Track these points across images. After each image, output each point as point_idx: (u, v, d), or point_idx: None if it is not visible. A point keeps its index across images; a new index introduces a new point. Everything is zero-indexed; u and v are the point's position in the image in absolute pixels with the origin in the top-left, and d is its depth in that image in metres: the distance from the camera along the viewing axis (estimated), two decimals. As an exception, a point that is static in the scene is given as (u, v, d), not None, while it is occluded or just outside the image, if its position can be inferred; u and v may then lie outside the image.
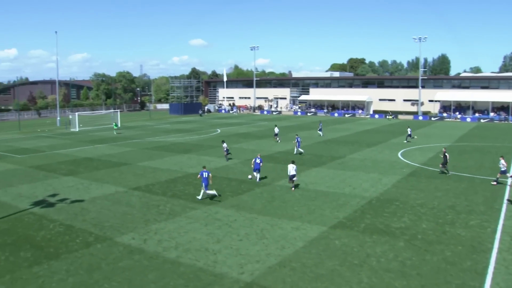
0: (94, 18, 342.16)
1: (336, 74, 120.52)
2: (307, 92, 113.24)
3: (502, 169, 26.68)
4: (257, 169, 28.28)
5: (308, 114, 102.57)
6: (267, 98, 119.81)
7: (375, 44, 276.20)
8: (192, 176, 30.24)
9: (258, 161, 28.45)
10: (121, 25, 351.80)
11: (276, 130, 50.93)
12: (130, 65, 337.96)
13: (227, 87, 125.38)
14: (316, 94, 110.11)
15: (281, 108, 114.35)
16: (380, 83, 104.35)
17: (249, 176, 29.07)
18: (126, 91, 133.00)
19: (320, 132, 55.84)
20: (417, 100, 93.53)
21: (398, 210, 21.86)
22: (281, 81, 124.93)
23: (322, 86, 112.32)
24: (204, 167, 24.42)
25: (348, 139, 51.59)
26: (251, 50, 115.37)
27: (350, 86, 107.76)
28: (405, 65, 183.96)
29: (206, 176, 23.56)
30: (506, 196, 24.29)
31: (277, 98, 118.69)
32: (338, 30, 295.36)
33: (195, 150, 43.41)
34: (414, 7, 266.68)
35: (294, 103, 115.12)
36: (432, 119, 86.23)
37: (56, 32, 78.56)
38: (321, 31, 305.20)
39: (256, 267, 15.51)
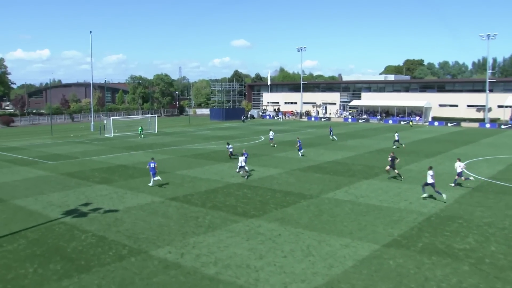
0: (130, 17, 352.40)
1: (391, 77, 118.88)
2: (358, 97, 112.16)
3: (458, 171, 30.33)
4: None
5: (360, 121, 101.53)
6: (315, 103, 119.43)
7: (435, 43, 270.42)
8: (234, 187, 30.45)
9: (243, 157, 33.81)
10: (159, 24, 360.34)
11: (271, 134, 54.47)
12: (168, 67, 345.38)
13: (271, 91, 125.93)
14: (369, 99, 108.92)
15: (330, 114, 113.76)
16: (441, 87, 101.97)
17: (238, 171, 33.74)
18: (164, 95, 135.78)
19: (334, 137, 59.97)
20: (483, 106, 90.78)
21: (462, 229, 21.21)
22: (330, 85, 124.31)
23: (375, 91, 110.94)
24: (152, 158, 32.02)
25: (405, 149, 50.65)
26: (298, 51, 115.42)
27: (407, 90, 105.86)
28: (470, 67, 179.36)
29: (153, 166, 30.84)
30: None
31: (325, 103, 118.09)
32: (393, 28, 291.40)
33: (237, 158, 43.57)
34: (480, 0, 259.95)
35: (344, 109, 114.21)
36: (502, 127, 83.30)
37: (90, 32, 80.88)
38: (374, 30, 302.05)
39: (301, 286, 15.41)
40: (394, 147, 51.24)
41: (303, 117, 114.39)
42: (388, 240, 19.65)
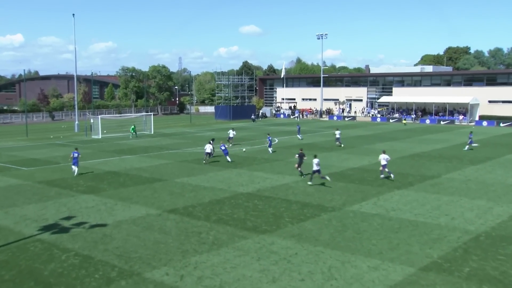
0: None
1: (429, 68, 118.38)
2: (389, 93, 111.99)
3: (383, 164, 36.30)
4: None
5: (391, 120, 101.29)
6: (337, 100, 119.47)
7: (484, 26, 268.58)
8: (242, 197, 30.56)
9: (223, 148, 42.05)
10: (155, 7, 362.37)
11: (232, 133, 58.03)
12: (167, 57, 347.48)
13: (287, 86, 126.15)
14: (401, 94, 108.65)
15: (355, 112, 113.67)
16: (491, 80, 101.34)
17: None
18: (161, 90, 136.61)
19: (299, 136, 64.60)
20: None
21: (518, 252, 21.02)
22: (355, 78, 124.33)
23: (409, 85, 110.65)
24: (76, 149, 39.31)
25: (445, 153, 50.44)
26: (318, 39, 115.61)
27: (448, 84, 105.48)
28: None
29: (77, 156, 38.27)
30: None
31: (350, 100, 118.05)
32: (431, 10, 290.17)
33: (247, 164, 43.88)
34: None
35: (372, 107, 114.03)
36: None
37: (73, 14, 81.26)
38: (408, 12, 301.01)
39: (322, 316, 15.40)
40: (337, 143, 56.50)
41: (323, 116, 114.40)
42: (426, 263, 19.56)
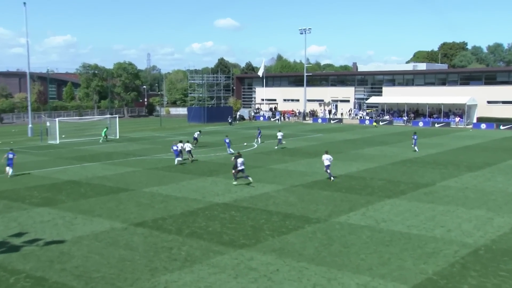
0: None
1: (422, 66, 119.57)
2: (379, 93, 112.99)
3: (326, 164, 39.26)
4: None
5: (381, 123, 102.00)
6: (322, 100, 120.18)
7: (481, 21, 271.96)
8: (218, 208, 30.49)
9: (174, 148, 47.41)
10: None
11: (196, 134, 62.81)
12: (133, 54, 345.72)
13: (267, 86, 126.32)
14: (392, 95, 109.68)
15: (342, 114, 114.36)
16: (490, 78, 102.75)
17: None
18: (127, 90, 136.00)
19: (259, 139, 66.98)
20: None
21: (521, 267, 21.23)
22: (342, 77, 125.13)
23: (400, 84, 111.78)
24: (11, 150, 42.33)
25: (440, 159, 50.96)
26: (301, 33, 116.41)
27: (443, 83, 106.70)
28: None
29: (12, 157, 40.70)
30: None
31: (336, 100, 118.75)
32: (424, 3, 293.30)
33: (223, 171, 43.83)
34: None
35: (360, 108, 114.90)
36: None
37: (24, 3, 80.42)
38: (399, 6, 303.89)
39: None
40: (276, 147, 59.71)
41: (307, 118, 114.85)
42: (420, 279, 19.69)
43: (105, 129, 71.03)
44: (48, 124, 75.15)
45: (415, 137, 57.70)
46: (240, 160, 37.83)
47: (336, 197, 33.30)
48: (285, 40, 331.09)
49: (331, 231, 25.69)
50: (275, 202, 32.16)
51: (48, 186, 38.06)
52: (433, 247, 23.30)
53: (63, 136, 72.53)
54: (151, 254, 22.57)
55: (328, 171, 39.23)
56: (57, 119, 72.69)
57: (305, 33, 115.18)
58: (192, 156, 49.93)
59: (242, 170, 37.73)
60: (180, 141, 50.36)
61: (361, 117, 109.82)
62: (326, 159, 39.33)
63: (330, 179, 38.95)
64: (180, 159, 47.99)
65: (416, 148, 56.78)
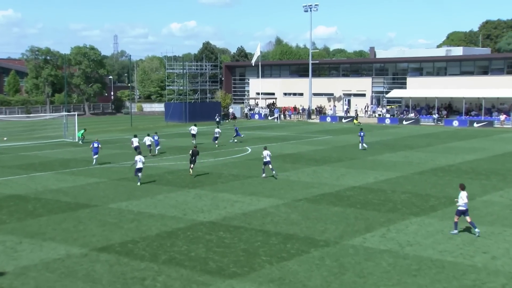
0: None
1: (457, 50, 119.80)
2: (402, 85, 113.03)
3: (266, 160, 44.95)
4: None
5: (405, 122, 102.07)
6: (332, 95, 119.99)
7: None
8: (203, 228, 30.36)
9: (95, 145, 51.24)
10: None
11: (193, 130, 69.12)
12: (96, 35, 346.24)
13: (263, 76, 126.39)
14: (419, 87, 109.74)
15: (356, 111, 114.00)
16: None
17: None
18: (89, 81, 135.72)
19: (235, 139, 71.00)
20: None
21: None
22: (356, 65, 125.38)
23: (430, 74, 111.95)
24: None
25: (480, 167, 50.85)
26: (305, 11, 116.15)
27: (485, 72, 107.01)
28: None
29: None
30: None
31: (349, 94, 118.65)
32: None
33: (209, 182, 43.81)
34: None
35: (379, 104, 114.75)
36: None
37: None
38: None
39: None
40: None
41: (312, 116, 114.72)
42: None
43: (81, 131, 70.47)
44: (-15, 123, 74.93)
45: (362, 133, 63.18)
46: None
47: (349, 214, 33.11)
48: (286, 19, 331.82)
49: (343, 257, 25.46)
50: (274, 220, 31.97)
51: (-13, 202, 37.80)
52: (473, 279, 23.09)
53: (5, 138, 72.60)
54: (118, 287, 22.36)
55: (270, 166, 45.01)
56: (-3, 117, 72.28)
57: (310, 10, 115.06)
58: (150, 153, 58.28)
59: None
60: (135, 136, 57.55)
61: (380, 114, 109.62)
62: (267, 155, 44.97)
63: (273, 174, 45.04)
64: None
65: (364, 145, 62.76)
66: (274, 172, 45.01)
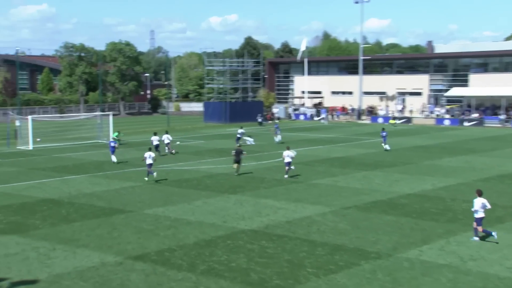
0: None
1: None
2: (464, 82, 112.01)
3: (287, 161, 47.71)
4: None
5: (466, 123, 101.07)
6: (384, 93, 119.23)
7: None
8: (244, 236, 30.43)
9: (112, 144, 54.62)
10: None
11: (240, 133, 70.55)
12: (132, 30, 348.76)
13: (310, 73, 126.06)
14: (484, 85, 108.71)
15: (411, 111, 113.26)
16: None
17: None
18: (124, 79, 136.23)
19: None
20: None
21: None
22: (412, 61, 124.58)
23: (496, 70, 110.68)
24: None
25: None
26: (356, 3, 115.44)
27: None
28: None
29: None
30: None
31: (403, 93, 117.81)
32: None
33: (251, 187, 43.93)
34: None
35: (437, 103, 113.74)
36: None
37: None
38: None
39: None
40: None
41: (363, 117, 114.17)
42: None
43: (116, 133, 71.17)
44: (17, 123, 75.71)
45: (384, 133, 66.00)
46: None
47: (404, 224, 32.89)
48: (334, 12, 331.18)
49: (397, 271, 25.29)
50: (320, 229, 31.94)
51: (16, 207, 38.28)
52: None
53: (38, 139, 73.06)
54: (154, 298, 22.54)
55: (292, 167, 48.08)
56: (29, 117, 73.01)
57: (361, 2, 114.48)
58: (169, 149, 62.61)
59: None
60: (155, 134, 61.44)
61: (438, 115, 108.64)
62: (287, 155, 47.48)
63: (291, 168, 47.79)
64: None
65: (386, 146, 65.25)
66: (287, 172, 47.58)
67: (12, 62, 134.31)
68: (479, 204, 30.05)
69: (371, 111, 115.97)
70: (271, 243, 29.34)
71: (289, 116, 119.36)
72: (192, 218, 34.49)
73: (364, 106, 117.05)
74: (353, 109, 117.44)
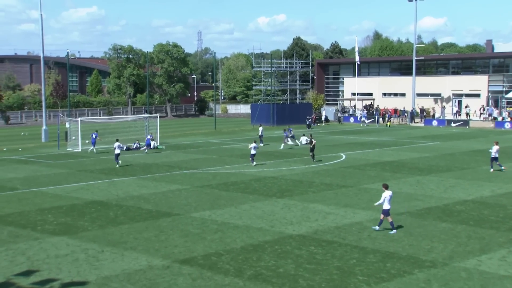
0: None
1: None
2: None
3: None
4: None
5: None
6: (439, 95, 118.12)
7: None
8: (292, 241, 30.35)
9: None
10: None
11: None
12: (179, 31, 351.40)
13: (360, 75, 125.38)
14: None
15: (468, 114, 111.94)
16: None
17: None
18: (172, 81, 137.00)
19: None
20: None
21: None
22: (469, 61, 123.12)
23: None
24: (96, 131, 45.39)
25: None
26: (409, 1, 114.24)
27: None
28: None
29: (95, 137, 47.79)
30: None
31: (460, 95, 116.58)
32: None
33: (299, 191, 43.79)
34: None
35: (496, 105, 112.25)
36: None
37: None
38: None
39: None
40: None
41: (416, 119, 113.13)
42: None
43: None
44: (67, 125, 76.45)
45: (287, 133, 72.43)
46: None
47: (461, 232, 32.40)
48: (386, 10, 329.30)
49: (454, 281, 24.90)
50: (371, 235, 31.72)
51: (66, 208, 38.77)
52: None
53: (87, 141, 73.59)
54: (201, 302, 22.58)
55: (294, 142, 55.71)
56: (79, 119, 73.85)
57: (416, 0, 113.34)
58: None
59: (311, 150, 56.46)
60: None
61: (495, 118, 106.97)
62: (253, 147, 56.36)
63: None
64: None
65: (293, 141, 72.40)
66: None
67: (62, 65, 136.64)
68: None
69: (425, 114, 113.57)
70: (320, 249, 29.23)
71: (338, 119, 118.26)
72: (239, 222, 34.56)
73: (417, 108, 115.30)
74: (405, 112, 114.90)
